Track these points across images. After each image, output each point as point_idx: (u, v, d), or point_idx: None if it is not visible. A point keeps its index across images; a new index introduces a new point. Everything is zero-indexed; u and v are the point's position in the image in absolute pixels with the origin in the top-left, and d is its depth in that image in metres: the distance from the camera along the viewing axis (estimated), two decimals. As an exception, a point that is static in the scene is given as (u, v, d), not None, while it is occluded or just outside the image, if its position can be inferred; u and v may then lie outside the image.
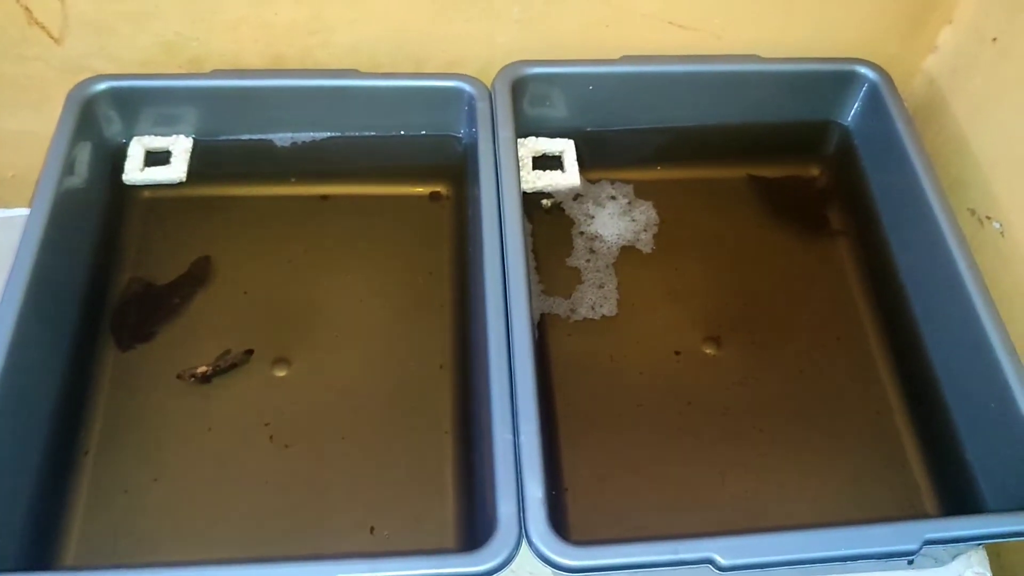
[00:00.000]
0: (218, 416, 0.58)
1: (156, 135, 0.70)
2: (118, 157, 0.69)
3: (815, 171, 0.74)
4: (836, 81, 0.72)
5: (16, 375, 0.52)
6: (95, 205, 0.66)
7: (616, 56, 0.69)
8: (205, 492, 0.55)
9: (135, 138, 0.70)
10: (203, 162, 0.70)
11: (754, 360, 0.62)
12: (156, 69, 0.70)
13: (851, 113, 0.73)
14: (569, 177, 0.69)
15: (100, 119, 0.67)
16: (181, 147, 0.70)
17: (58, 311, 0.59)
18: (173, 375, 0.59)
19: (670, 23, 0.70)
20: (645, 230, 0.68)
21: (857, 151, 0.73)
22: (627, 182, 0.70)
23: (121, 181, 0.68)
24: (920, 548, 0.47)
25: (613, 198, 0.69)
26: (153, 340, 0.62)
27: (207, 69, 0.69)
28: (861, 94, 0.71)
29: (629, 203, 0.69)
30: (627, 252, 0.67)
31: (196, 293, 0.64)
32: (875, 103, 0.70)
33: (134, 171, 0.68)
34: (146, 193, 0.69)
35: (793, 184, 0.73)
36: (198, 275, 0.65)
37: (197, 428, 0.58)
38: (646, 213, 0.68)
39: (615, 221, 0.68)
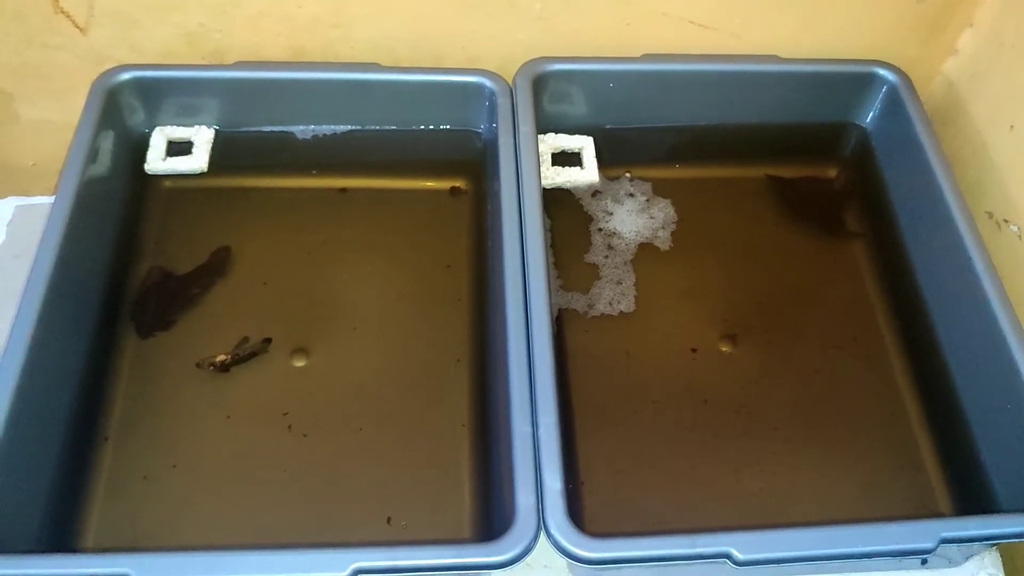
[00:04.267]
0: (236, 405, 0.58)
1: (178, 125, 0.70)
2: (140, 147, 0.69)
3: (833, 172, 0.74)
4: (855, 83, 0.72)
5: (38, 361, 0.53)
6: (117, 194, 0.67)
7: (636, 54, 0.69)
8: (223, 479, 0.55)
9: (157, 128, 0.70)
10: (224, 153, 0.70)
11: (770, 359, 0.62)
12: (179, 60, 0.71)
13: (870, 115, 0.73)
14: (588, 174, 0.69)
15: (123, 109, 0.68)
16: (203, 137, 0.70)
17: (80, 298, 0.60)
18: (192, 363, 0.60)
19: (690, 22, 0.70)
20: (663, 227, 0.68)
21: (875, 153, 0.73)
22: (646, 180, 0.70)
23: (143, 170, 0.69)
24: (936, 547, 0.47)
25: (632, 195, 0.69)
26: (173, 329, 0.62)
27: (229, 61, 0.70)
28: (880, 96, 0.71)
29: (648, 200, 0.69)
30: (645, 249, 0.67)
31: (215, 283, 0.64)
32: (894, 105, 0.70)
33: (156, 161, 0.69)
34: (167, 183, 0.69)
35: (811, 185, 0.73)
36: (217, 265, 0.65)
37: (216, 416, 0.58)
38: (664, 211, 0.69)
39: (633, 218, 0.68)
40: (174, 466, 0.56)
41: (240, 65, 0.68)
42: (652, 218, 0.68)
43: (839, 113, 0.74)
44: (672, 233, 0.68)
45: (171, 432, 0.57)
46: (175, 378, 0.59)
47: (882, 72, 0.70)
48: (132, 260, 0.65)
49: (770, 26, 0.72)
